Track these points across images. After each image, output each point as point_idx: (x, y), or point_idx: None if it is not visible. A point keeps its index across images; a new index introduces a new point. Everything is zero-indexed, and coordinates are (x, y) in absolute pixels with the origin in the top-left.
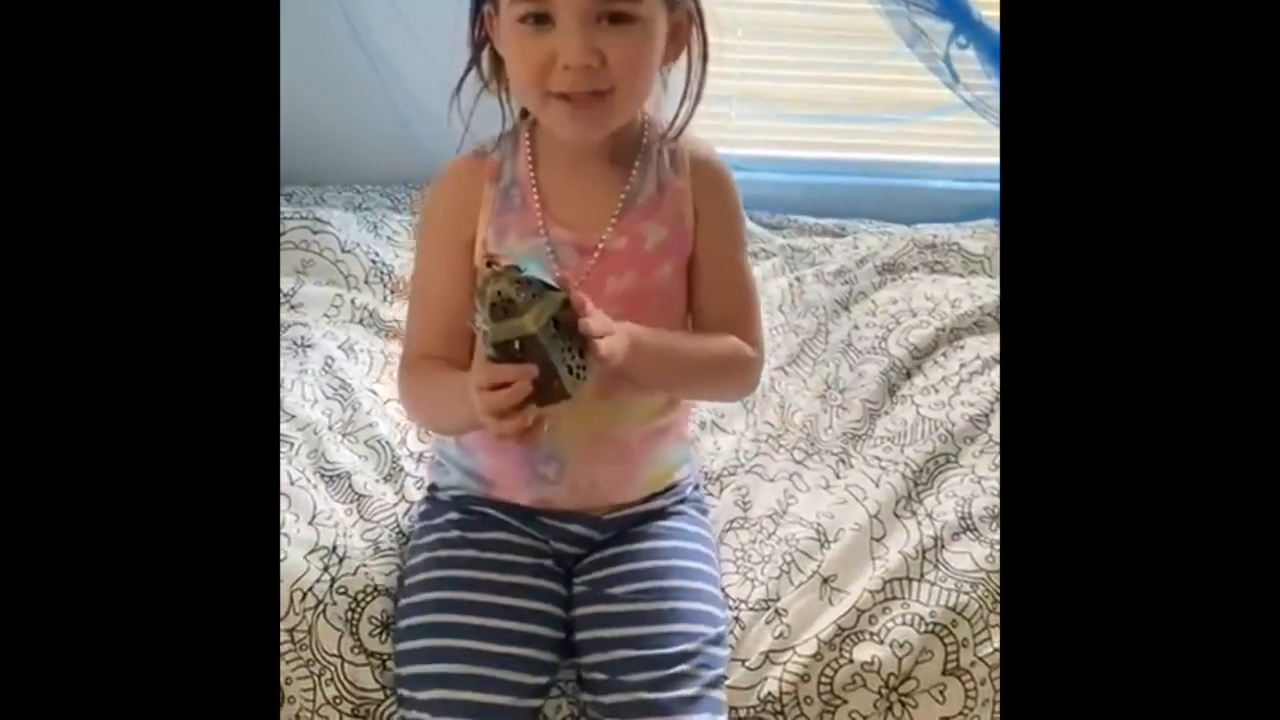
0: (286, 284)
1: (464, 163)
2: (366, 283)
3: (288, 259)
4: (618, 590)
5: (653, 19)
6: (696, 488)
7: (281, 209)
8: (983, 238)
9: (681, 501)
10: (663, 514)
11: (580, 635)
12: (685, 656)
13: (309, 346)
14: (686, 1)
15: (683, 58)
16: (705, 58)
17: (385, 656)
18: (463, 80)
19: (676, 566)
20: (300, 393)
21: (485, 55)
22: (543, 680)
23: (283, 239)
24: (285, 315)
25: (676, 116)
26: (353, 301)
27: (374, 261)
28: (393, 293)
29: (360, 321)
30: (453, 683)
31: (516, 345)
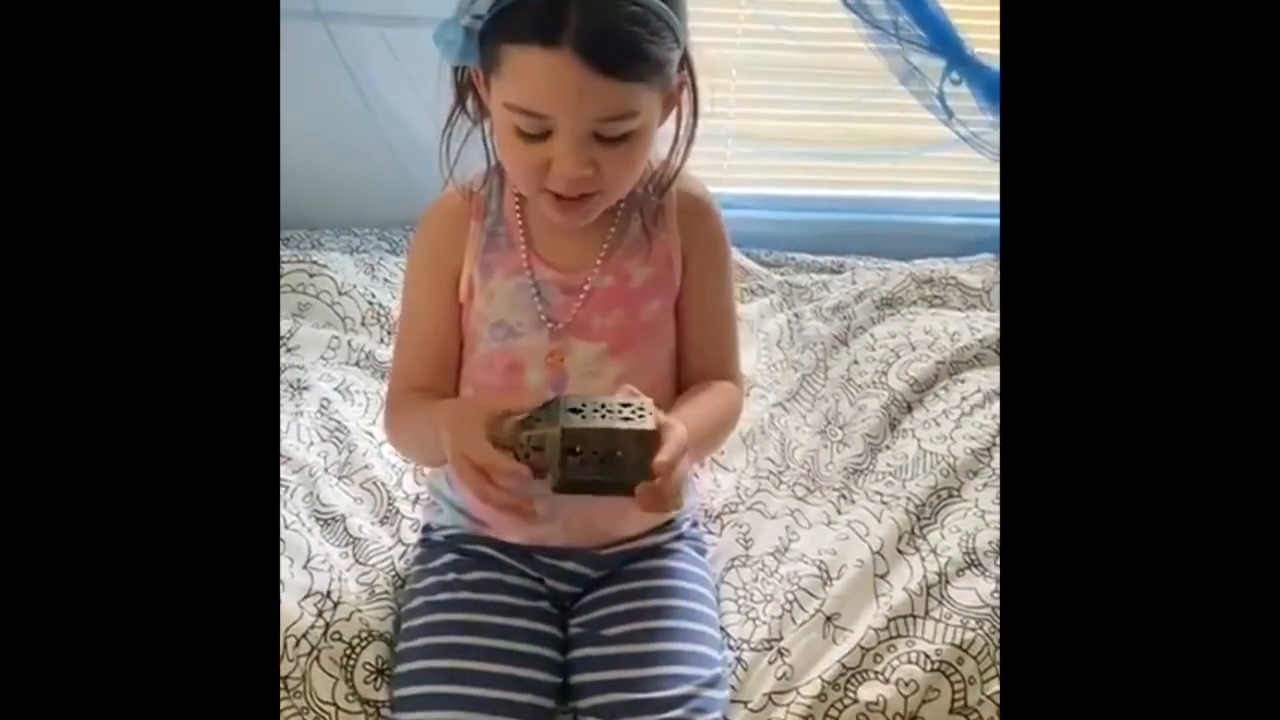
0: (283, 326)
1: (451, 199)
2: (364, 324)
3: (285, 302)
4: (612, 631)
5: (648, 122)
6: (695, 525)
7: (279, 253)
8: (981, 271)
9: (679, 538)
10: (659, 551)
11: (576, 678)
12: (680, 700)
13: (305, 388)
14: (680, 75)
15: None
16: (695, 115)
17: (380, 704)
18: (448, 125)
19: (672, 606)
20: (296, 435)
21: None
22: None
23: (280, 282)
24: (281, 358)
25: (667, 163)
26: (349, 343)
27: (371, 303)
28: (390, 334)
29: (357, 363)
30: None
31: (576, 450)
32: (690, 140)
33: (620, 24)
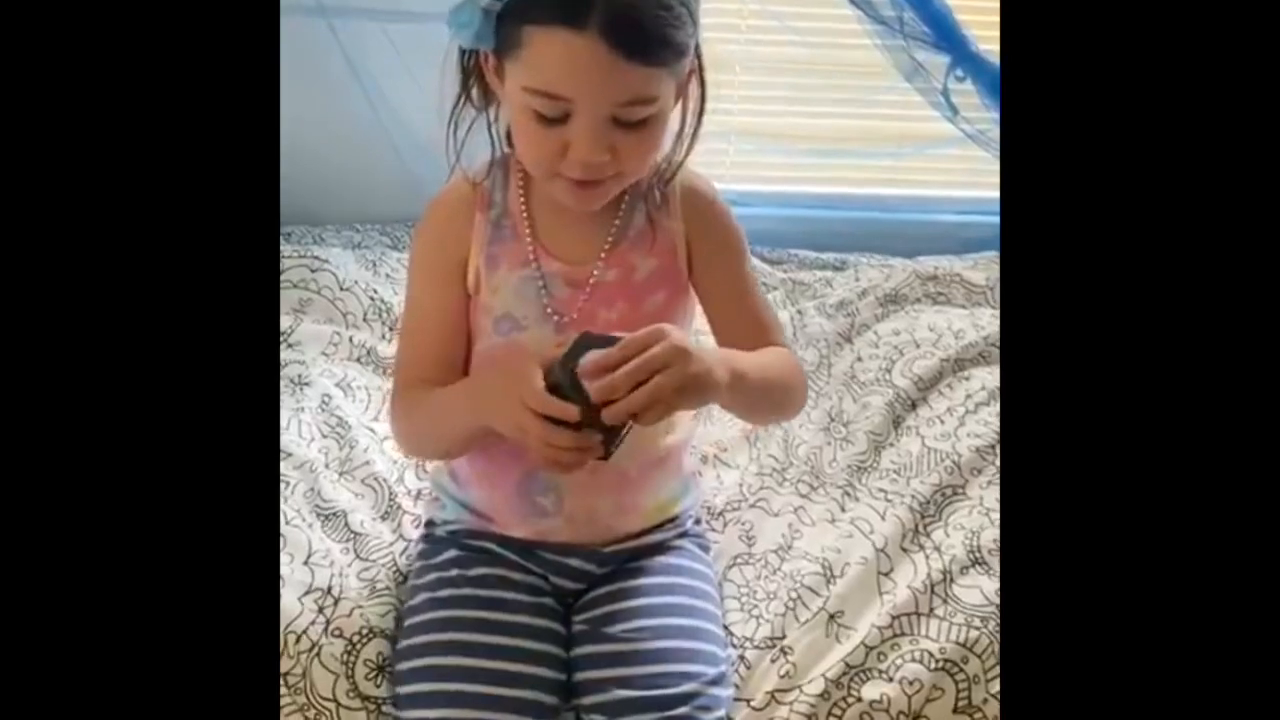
0: (284, 322)
1: (455, 191)
2: (365, 320)
3: (286, 297)
4: (616, 629)
5: (666, 108)
6: (698, 522)
7: (280, 248)
8: (985, 269)
9: (682, 536)
10: (662, 549)
11: (579, 675)
12: (686, 698)
13: (306, 384)
14: (691, 60)
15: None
16: (703, 104)
17: (381, 700)
18: (455, 110)
19: (676, 604)
20: (297, 431)
21: (474, 83)
22: None
23: (281, 277)
24: (282, 353)
25: (671, 158)
26: (351, 339)
27: (372, 299)
28: (391, 330)
29: (358, 359)
30: None
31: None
32: (697, 129)
33: (647, 7)
